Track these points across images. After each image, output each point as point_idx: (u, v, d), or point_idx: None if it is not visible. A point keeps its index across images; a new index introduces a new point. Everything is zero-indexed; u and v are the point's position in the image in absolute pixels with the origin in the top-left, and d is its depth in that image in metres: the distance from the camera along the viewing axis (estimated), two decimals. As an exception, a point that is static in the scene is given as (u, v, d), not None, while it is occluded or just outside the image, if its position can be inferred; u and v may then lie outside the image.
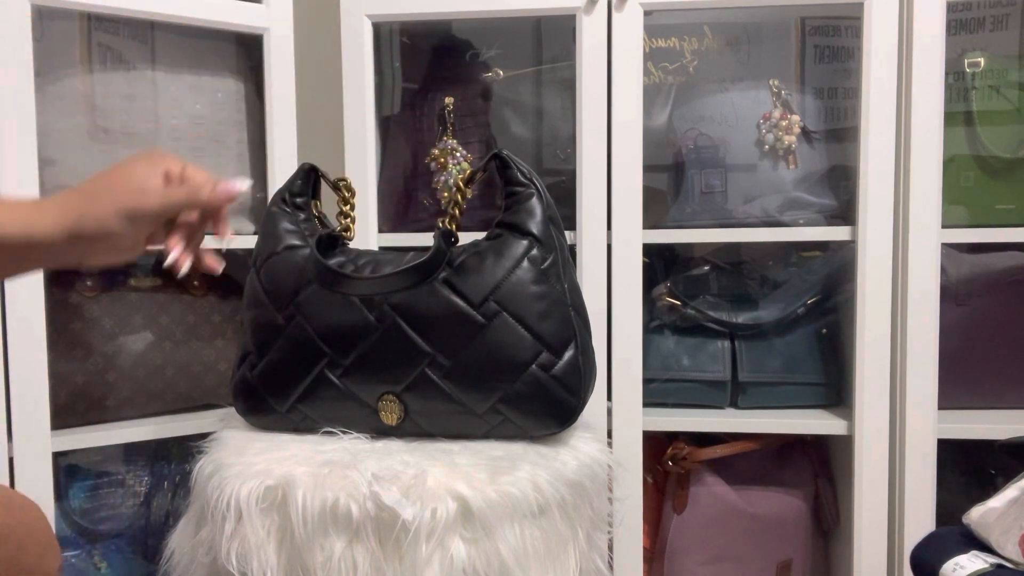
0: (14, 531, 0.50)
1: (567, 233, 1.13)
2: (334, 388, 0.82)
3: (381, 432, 0.83)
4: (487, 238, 0.82)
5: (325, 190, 0.92)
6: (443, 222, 0.83)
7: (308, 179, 0.90)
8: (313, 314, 0.81)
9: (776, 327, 1.19)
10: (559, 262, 0.81)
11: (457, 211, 0.83)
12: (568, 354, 0.79)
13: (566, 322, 0.79)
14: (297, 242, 0.86)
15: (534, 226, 0.80)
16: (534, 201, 0.81)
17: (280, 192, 0.89)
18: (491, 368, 0.77)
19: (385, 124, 1.26)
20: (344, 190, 0.90)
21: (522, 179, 0.82)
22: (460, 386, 0.78)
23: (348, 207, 0.90)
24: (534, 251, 0.79)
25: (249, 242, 1.13)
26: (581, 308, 0.83)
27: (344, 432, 0.83)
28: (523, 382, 0.77)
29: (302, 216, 0.88)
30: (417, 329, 0.78)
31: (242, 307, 0.88)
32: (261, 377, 0.84)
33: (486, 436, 0.81)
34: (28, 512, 0.53)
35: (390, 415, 0.81)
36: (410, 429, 0.82)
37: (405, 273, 0.78)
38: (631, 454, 1.12)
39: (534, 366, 0.77)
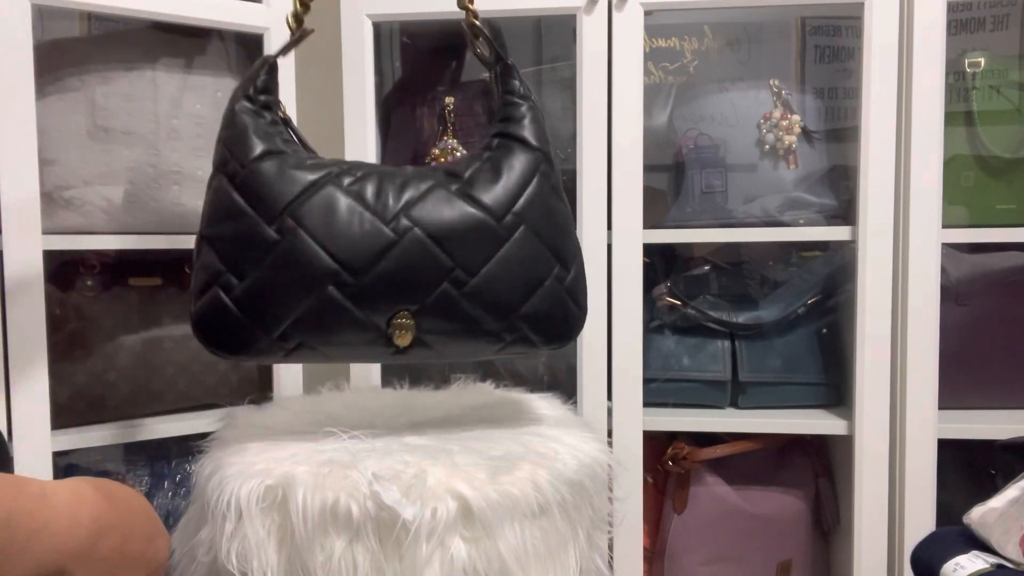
0: (119, 523, 0.51)
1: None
2: (339, 309, 0.73)
3: (383, 358, 0.77)
4: (493, 148, 0.80)
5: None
6: None
7: (272, 75, 0.80)
8: (317, 227, 0.73)
9: (776, 327, 1.19)
10: (560, 179, 0.81)
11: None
12: (575, 267, 0.79)
13: (572, 236, 0.80)
14: (278, 146, 0.77)
15: (542, 141, 0.79)
16: (538, 115, 0.80)
17: (244, 87, 0.79)
18: (512, 282, 0.75)
19: (385, 124, 1.26)
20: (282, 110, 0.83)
21: (525, 92, 0.80)
22: (480, 302, 0.75)
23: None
24: (543, 166, 0.79)
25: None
26: (574, 221, 0.84)
27: (344, 356, 0.77)
28: (540, 296, 0.76)
29: (268, 117, 0.79)
30: (438, 243, 0.74)
31: (202, 223, 0.76)
32: (244, 299, 0.73)
33: (497, 354, 0.79)
34: (131, 502, 0.54)
35: (404, 335, 0.75)
36: (419, 354, 0.77)
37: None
38: (631, 454, 1.12)
39: (550, 279, 0.77)
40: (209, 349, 0.75)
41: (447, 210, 0.74)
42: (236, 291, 0.73)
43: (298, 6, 0.81)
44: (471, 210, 0.75)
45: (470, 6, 0.83)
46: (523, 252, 0.76)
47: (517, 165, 0.77)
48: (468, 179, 0.76)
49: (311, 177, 0.74)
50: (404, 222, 0.74)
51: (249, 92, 0.78)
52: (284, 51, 0.82)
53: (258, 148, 0.75)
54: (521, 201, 0.76)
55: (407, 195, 0.75)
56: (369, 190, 0.75)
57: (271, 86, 0.80)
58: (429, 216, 0.74)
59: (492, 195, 0.75)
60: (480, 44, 0.84)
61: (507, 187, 0.76)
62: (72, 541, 0.46)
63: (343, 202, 0.74)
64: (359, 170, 0.77)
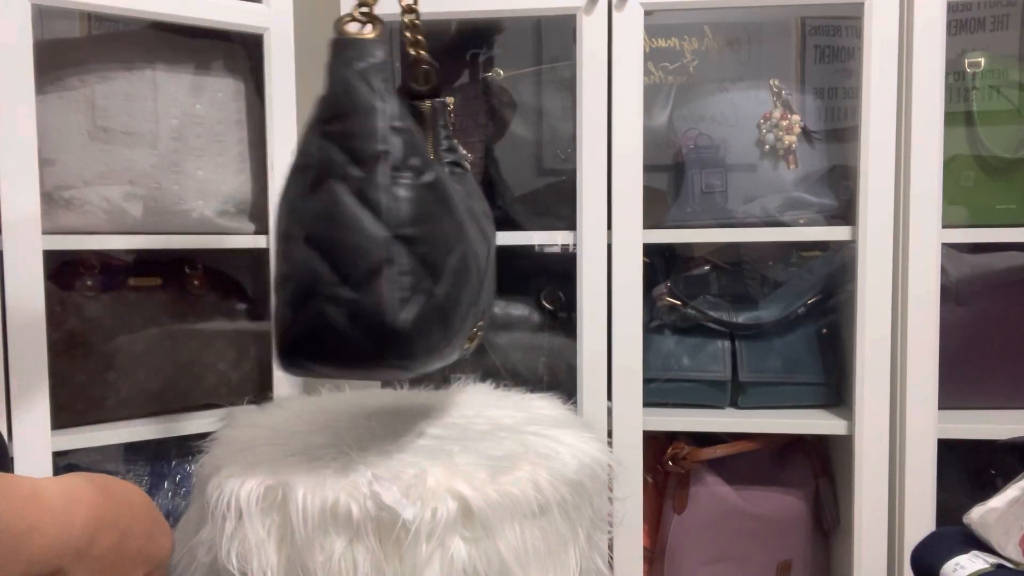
0: (117, 520, 0.50)
1: (567, 233, 1.13)
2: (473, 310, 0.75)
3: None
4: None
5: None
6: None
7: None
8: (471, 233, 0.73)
9: (776, 327, 1.19)
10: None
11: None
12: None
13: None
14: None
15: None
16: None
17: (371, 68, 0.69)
18: None
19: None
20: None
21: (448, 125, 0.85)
22: None
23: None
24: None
25: (249, 242, 1.13)
26: None
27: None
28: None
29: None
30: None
31: (400, 222, 0.64)
32: (444, 302, 0.65)
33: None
34: (131, 498, 0.53)
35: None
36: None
37: None
38: (631, 454, 1.12)
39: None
40: (398, 366, 0.64)
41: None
42: (437, 297, 0.66)
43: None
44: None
45: (410, 36, 0.80)
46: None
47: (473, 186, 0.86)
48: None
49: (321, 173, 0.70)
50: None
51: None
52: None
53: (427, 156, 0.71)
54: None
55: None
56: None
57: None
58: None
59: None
60: (419, 74, 0.80)
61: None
62: (66, 540, 0.46)
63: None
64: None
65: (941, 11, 1.04)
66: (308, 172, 0.65)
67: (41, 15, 1.01)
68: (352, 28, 0.69)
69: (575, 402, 1.12)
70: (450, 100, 1.18)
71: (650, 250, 1.20)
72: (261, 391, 1.16)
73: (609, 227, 1.11)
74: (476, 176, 1.18)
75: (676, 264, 1.29)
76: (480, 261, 0.73)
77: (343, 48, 0.68)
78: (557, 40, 1.28)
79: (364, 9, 0.71)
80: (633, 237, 1.11)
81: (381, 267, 0.62)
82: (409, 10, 0.79)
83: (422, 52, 0.79)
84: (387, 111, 0.65)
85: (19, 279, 0.96)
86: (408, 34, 0.80)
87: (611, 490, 0.85)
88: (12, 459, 0.95)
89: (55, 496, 0.46)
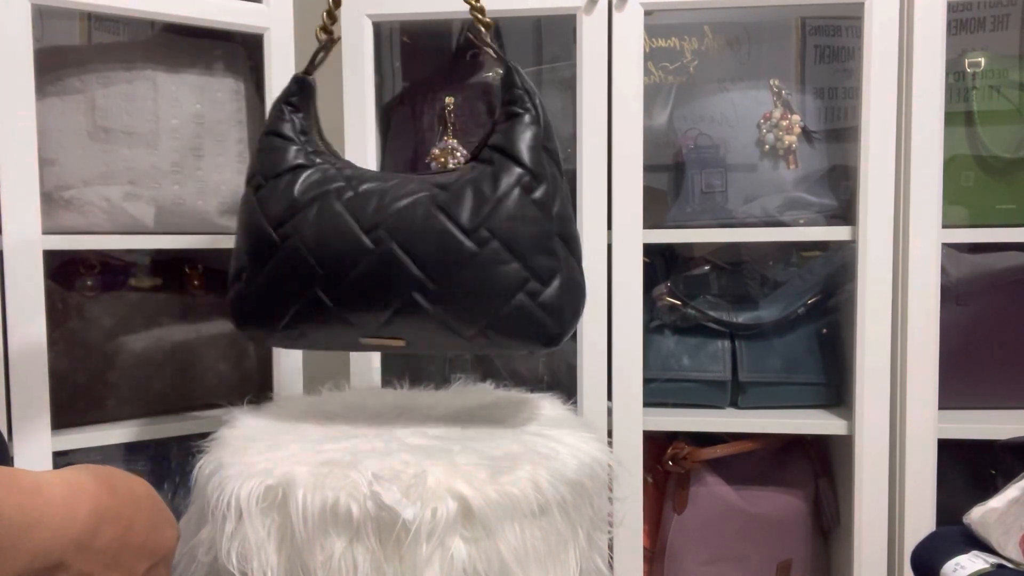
0: (120, 512, 0.50)
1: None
2: (327, 312, 0.81)
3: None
4: (479, 160, 0.82)
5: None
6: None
7: (307, 91, 0.89)
8: (311, 235, 0.80)
9: (776, 327, 1.19)
10: (552, 192, 0.80)
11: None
12: (555, 283, 0.80)
13: (552, 252, 0.80)
14: (300, 161, 0.85)
15: (525, 153, 0.80)
16: (528, 125, 0.81)
17: (281, 104, 0.88)
18: (479, 295, 0.78)
19: (385, 124, 1.26)
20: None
21: (524, 99, 0.81)
22: (449, 311, 0.79)
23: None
24: (526, 179, 0.79)
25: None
26: (571, 238, 0.82)
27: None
28: (509, 309, 0.78)
29: (299, 126, 0.87)
30: (410, 254, 0.78)
31: (237, 226, 0.86)
32: (257, 293, 0.84)
33: (479, 351, 0.88)
34: (135, 490, 0.53)
35: (389, 342, 0.82)
36: (406, 349, 0.84)
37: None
38: (631, 454, 1.12)
39: (521, 294, 0.78)
40: (241, 329, 0.87)
41: (422, 222, 0.79)
42: (250, 286, 0.84)
43: (326, 18, 0.84)
44: (444, 223, 0.78)
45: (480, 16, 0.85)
46: (491, 265, 0.78)
47: (499, 179, 0.79)
48: (452, 192, 0.80)
49: (315, 191, 0.82)
50: (381, 233, 0.79)
51: (288, 104, 0.87)
52: (315, 64, 0.88)
53: (284, 164, 0.84)
54: (496, 215, 0.78)
55: (392, 208, 0.80)
56: (357, 200, 0.81)
57: (305, 102, 0.88)
58: (397, 228, 0.79)
59: (465, 209, 0.79)
60: (487, 50, 0.86)
61: (484, 201, 0.79)
62: (68, 533, 0.46)
63: (335, 212, 0.81)
64: (358, 181, 0.83)
65: (941, 11, 1.04)
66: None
67: (41, 15, 1.01)
68: None
69: (575, 402, 1.12)
70: (450, 100, 1.18)
71: (650, 250, 1.20)
72: (261, 391, 1.16)
73: (609, 227, 1.11)
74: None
75: (676, 264, 1.29)
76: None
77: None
78: (557, 40, 1.28)
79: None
80: (633, 237, 1.11)
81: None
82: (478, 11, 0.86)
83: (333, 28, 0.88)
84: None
85: (19, 279, 0.96)
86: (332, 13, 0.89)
87: (611, 490, 0.85)
88: (12, 459, 0.95)
89: (57, 489, 0.46)
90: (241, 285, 0.85)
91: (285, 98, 0.87)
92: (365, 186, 0.82)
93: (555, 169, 0.82)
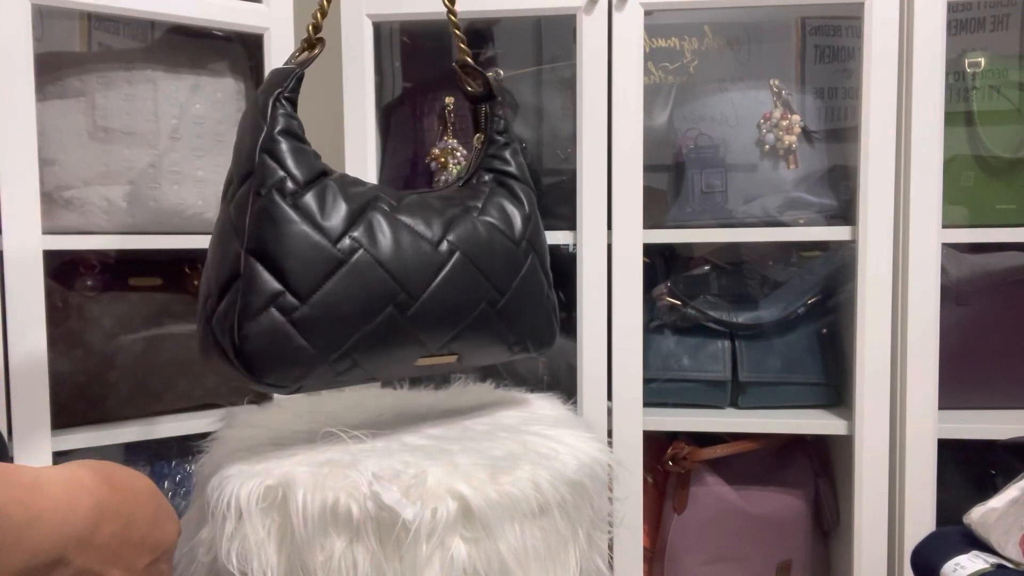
0: (120, 508, 0.50)
1: (567, 233, 1.13)
2: (398, 330, 0.73)
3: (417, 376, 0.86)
4: (489, 181, 0.87)
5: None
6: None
7: (299, 88, 0.76)
8: (379, 250, 0.72)
9: (776, 327, 1.19)
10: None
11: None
12: (552, 289, 0.89)
13: (549, 261, 0.90)
14: (323, 166, 0.74)
15: (528, 177, 0.89)
16: (520, 152, 0.89)
17: (276, 95, 0.72)
18: (526, 301, 0.84)
19: (385, 124, 1.26)
20: None
21: (510, 130, 0.89)
22: (507, 320, 0.82)
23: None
24: (534, 197, 0.88)
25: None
26: None
27: (384, 382, 0.83)
28: (539, 311, 0.86)
29: (301, 132, 0.76)
30: (477, 266, 0.79)
31: (246, 238, 0.69)
32: (308, 321, 0.68)
33: (505, 362, 0.91)
34: (135, 485, 0.53)
35: (447, 358, 0.81)
36: (453, 367, 0.85)
37: None
38: (631, 454, 1.12)
39: (543, 296, 0.86)
40: (256, 380, 0.68)
41: (479, 235, 0.80)
42: (298, 312, 0.68)
43: (319, 17, 0.80)
44: (498, 236, 0.82)
45: (463, 47, 0.88)
46: (533, 274, 0.85)
47: (523, 197, 0.86)
48: (483, 208, 0.83)
49: (358, 202, 0.73)
50: (447, 245, 0.77)
51: (284, 104, 0.73)
52: (303, 64, 0.78)
53: (311, 169, 0.72)
54: (530, 229, 0.85)
55: (442, 220, 0.78)
56: (408, 214, 0.76)
57: (296, 99, 0.76)
58: (467, 241, 0.79)
59: (511, 223, 0.84)
60: (470, 79, 0.89)
61: (522, 217, 0.85)
62: (69, 529, 0.46)
63: (392, 225, 0.74)
64: (389, 196, 0.78)
65: (941, 11, 1.04)
66: None
67: (41, 15, 1.01)
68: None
69: (575, 402, 1.12)
70: (450, 100, 1.18)
71: (650, 250, 1.20)
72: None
73: (609, 227, 1.11)
74: (476, 176, 1.18)
75: (676, 264, 1.29)
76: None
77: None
78: (557, 40, 1.28)
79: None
80: (633, 237, 1.11)
81: None
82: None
83: (469, 59, 0.88)
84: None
85: (19, 279, 0.96)
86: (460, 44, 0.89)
87: (611, 490, 0.85)
88: (12, 459, 0.95)
89: (57, 485, 0.46)
90: (272, 317, 0.67)
91: (288, 94, 0.73)
92: (395, 198, 0.77)
93: None
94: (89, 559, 0.47)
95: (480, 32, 1.27)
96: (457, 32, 0.88)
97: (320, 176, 0.72)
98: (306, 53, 0.78)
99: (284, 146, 0.71)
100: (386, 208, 0.75)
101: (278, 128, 0.71)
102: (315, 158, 0.73)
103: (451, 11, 0.87)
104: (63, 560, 0.46)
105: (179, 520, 0.58)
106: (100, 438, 1.05)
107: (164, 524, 0.55)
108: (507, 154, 0.88)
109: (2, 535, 0.41)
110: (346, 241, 0.70)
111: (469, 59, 0.88)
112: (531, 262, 0.84)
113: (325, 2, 0.80)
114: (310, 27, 0.79)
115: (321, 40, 0.79)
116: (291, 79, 0.74)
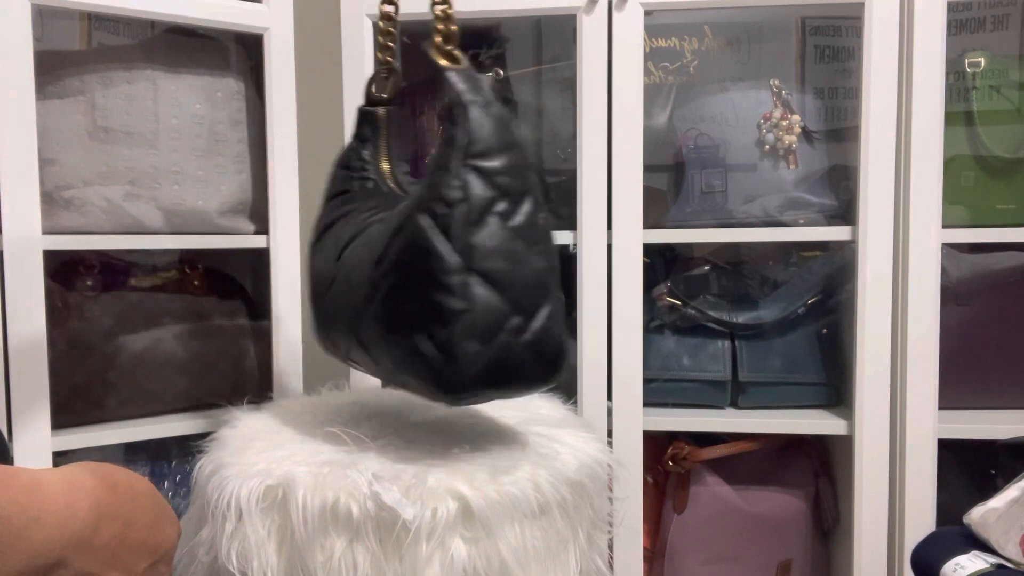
0: (120, 510, 0.50)
1: (567, 233, 1.13)
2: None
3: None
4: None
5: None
6: None
7: (371, 122, 0.81)
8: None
9: (776, 327, 1.19)
10: None
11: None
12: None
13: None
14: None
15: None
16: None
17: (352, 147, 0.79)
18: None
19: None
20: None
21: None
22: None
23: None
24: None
25: (249, 242, 1.13)
26: None
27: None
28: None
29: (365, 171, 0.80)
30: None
31: (465, 259, 0.64)
32: (536, 339, 0.66)
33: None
34: (135, 487, 0.53)
35: None
36: None
37: None
38: (631, 454, 1.12)
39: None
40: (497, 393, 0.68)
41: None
42: (528, 333, 0.66)
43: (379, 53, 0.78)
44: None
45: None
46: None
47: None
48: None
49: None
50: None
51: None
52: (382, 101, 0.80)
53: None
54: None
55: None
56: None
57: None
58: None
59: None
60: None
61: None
62: (68, 531, 0.46)
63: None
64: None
65: (941, 11, 1.04)
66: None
67: (41, 15, 1.01)
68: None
69: (575, 402, 1.12)
70: (450, 100, 1.18)
71: (650, 250, 1.20)
72: (261, 391, 1.16)
73: (609, 227, 1.11)
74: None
75: (676, 264, 1.29)
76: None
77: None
78: (557, 40, 1.28)
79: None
80: (633, 237, 1.11)
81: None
82: (385, 17, 0.81)
83: (389, 57, 0.81)
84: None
85: (19, 279, 0.96)
86: (380, 38, 0.81)
87: (611, 490, 0.85)
88: (12, 459, 0.95)
89: (56, 487, 0.46)
90: (506, 342, 0.65)
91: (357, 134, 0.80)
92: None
93: None
94: (88, 561, 0.47)
95: (480, 32, 1.27)
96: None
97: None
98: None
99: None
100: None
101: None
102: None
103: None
104: (62, 562, 0.45)
105: (179, 522, 0.58)
106: (100, 438, 1.05)
107: (164, 526, 0.55)
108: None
109: (1, 537, 0.41)
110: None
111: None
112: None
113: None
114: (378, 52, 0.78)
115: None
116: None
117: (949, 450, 1.11)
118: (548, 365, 0.68)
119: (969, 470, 1.16)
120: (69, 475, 0.48)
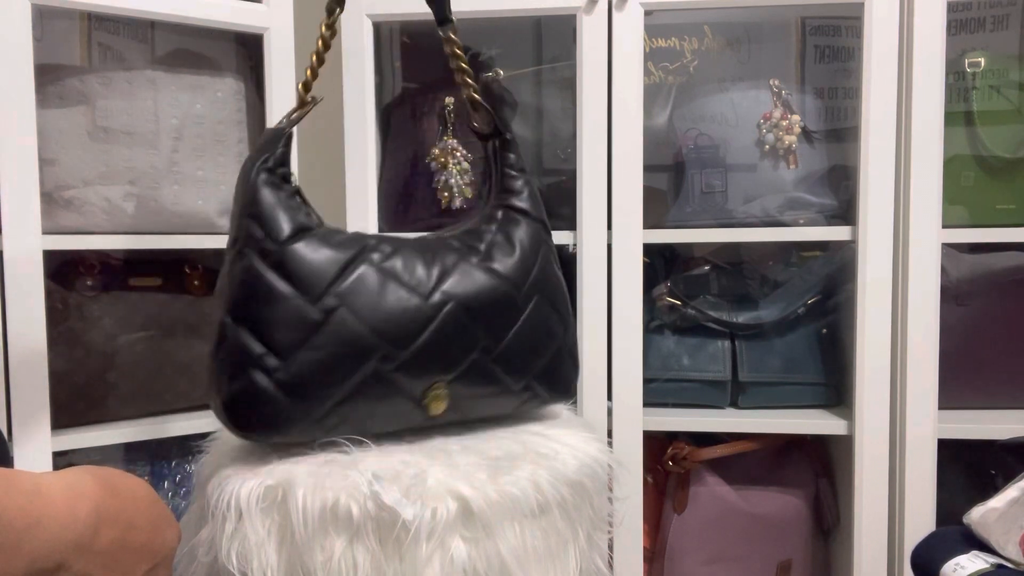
0: (121, 514, 0.50)
1: (567, 233, 1.13)
2: (386, 384, 0.75)
3: (418, 423, 0.80)
4: (499, 219, 0.83)
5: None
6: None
7: (288, 147, 0.78)
8: (360, 306, 0.73)
9: (776, 327, 1.19)
10: (554, 248, 0.86)
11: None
12: (572, 328, 0.85)
13: (568, 298, 0.86)
14: (305, 222, 0.75)
15: (539, 212, 0.84)
16: (533, 187, 0.85)
17: (261, 159, 0.75)
18: (531, 346, 0.81)
19: (385, 124, 1.26)
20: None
21: (521, 165, 0.85)
22: (506, 368, 0.80)
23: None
24: (544, 236, 0.84)
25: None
26: None
27: (375, 438, 0.78)
28: (550, 357, 0.82)
29: (287, 190, 0.76)
30: (470, 314, 0.77)
31: (228, 304, 0.72)
32: (290, 382, 0.71)
33: (515, 413, 0.84)
34: (135, 491, 0.53)
35: (438, 403, 0.78)
36: (450, 416, 0.80)
37: None
38: (631, 454, 1.12)
39: (558, 340, 0.83)
40: (241, 434, 0.72)
41: (474, 283, 0.78)
42: (280, 373, 0.71)
43: (308, 74, 0.80)
44: (495, 282, 0.79)
45: (469, 81, 0.84)
46: (538, 318, 0.81)
47: (526, 238, 0.82)
48: (486, 252, 0.80)
49: (346, 255, 0.74)
50: (439, 296, 0.76)
51: (268, 164, 0.75)
52: (293, 122, 0.79)
53: (289, 226, 0.73)
54: (534, 271, 0.82)
55: (436, 270, 0.77)
56: (399, 265, 0.76)
57: (287, 157, 0.77)
58: (461, 290, 0.77)
59: (510, 267, 0.80)
60: (479, 118, 0.85)
61: (522, 259, 0.81)
62: (69, 535, 0.46)
63: (379, 279, 0.74)
64: (385, 244, 0.77)
65: (941, 11, 1.04)
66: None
67: (41, 15, 1.01)
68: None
69: (575, 402, 1.12)
70: (450, 100, 1.18)
71: (650, 250, 1.19)
72: (261, 391, 1.16)
73: (609, 227, 1.11)
74: (476, 176, 1.18)
75: (676, 264, 1.29)
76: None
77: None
78: (557, 40, 1.28)
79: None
80: (633, 237, 1.11)
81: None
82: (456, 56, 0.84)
83: (477, 95, 0.83)
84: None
85: (19, 279, 0.96)
86: (464, 78, 0.84)
87: (611, 490, 0.85)
88: (12, 459, 0.95)
89: (57, 491, 0.46)
90: (253, 378, 0.70)
91: (274, 161, 0.75)
92: (389, 247, 0.77)
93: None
94: (89, 565, 0.47)
95: (480, 32, 1.27)
96: (463, 66, 0.84)
97: (300, 231, 0.73)
98: (297, 112, 0.79)
99: (264, 208, 0.73)
100: (377, 258, 0.75)
101: (260, 193, 0.73)
102: (303, 215, 0.74)
103: (460, 57, 0.83)
104: (63, 566, 0.45)
105: (179, 526, 0.58)
106: (100, 438, 1.05)
107: (164, 530, 0.55)
108: (515, 187, 0.84)
109: (2, 540, 0.41)
110: (327, 300, 0.71)
111: (477, 96, 0.84)
112: (535, 305, 0.81)
113: (315, 63, 0.80)
114: (301, 86, 0.79)
115: (313, 99, 0.79)
116: (280, 143, 0.75)
117: (949, 450, 1.11)
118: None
119: (969, 470, 1.16)
120: (70, 479, 0.48)
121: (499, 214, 0.83)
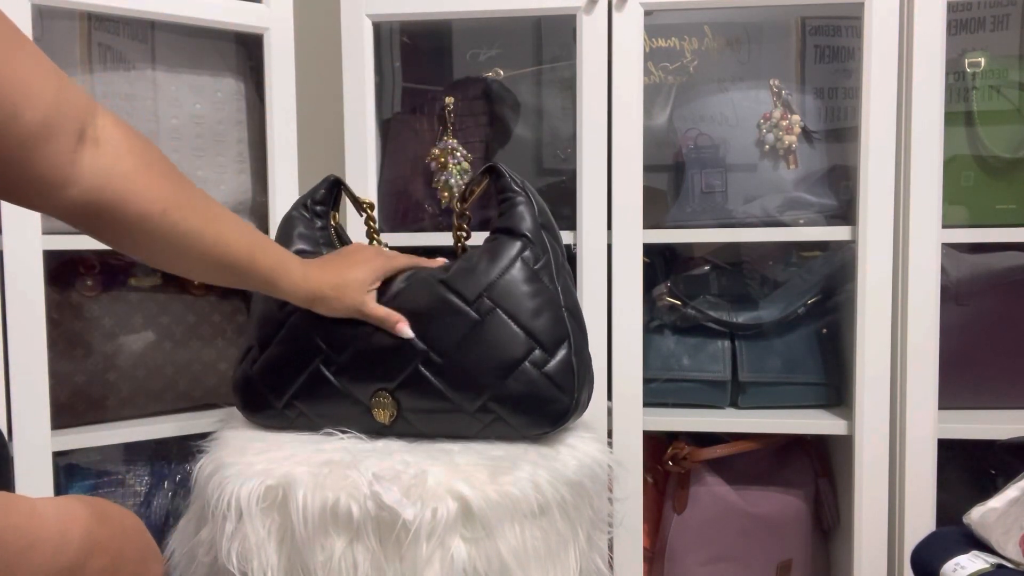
0: (110, 543, 0.50)
1: (567, 233, 1.13)
2: (329, 385, 0.83)
3: (374, 431, 0.83)
4: (486, 240, 0.84)
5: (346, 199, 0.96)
6: (459, 239, 0.89)
7: (332, 191, 0.93)
8: (312, 312, 0.81)
9: (776, 327, 1.19)
10: (552, 264, 0.82)
11: (465, 225, 0.89)
12: (561, 353, 0.79)
13: (559, 321, 0.79)
14: (307, 247, 0.89)
15: (526, 228, 0.82)
16: (524, 207, 0.83)
17: (303, 198, 0.92)
18: (483, 365, 0.78)
19: (385, 124, 1.26)
20: (368, 209, 0.94)
21: (514, 187, 0.84)
22: (452, 384, 0.78)
23: (372, 225, 0.95)
24: (527, 252, 0.81)
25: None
26: (576, 311, 0.83)
27: (341, 431, 0.82)
28: (515, 379, 0.77)
29: (319, 224, 0.92)
30: (412, 326, 0.80)
31: (253, 303, 0.90)
32: (261, 372, 0.86)
33: (479, 435, 0.81)
34: (124, 522, 0.53)
35: (382, 412, 0.81)
36: (403, 428, 0.82)
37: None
38: (631, 454, 1.12)
39: (526, 363, 0.77)
40: (242, 412, 0.89)
41: (423, 295, 0.81)
42: (258, 364, 0.86)
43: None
44: (446, 294, 0.80)
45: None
46: (494, 335, 0.78)
47: (500, 252, 0.81)
48: (454, 269, 0.82)
49: None
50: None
51: (306, 202, 0.92)
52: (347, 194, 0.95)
53: (291, 247, 0.88)
54: (496, 285, 0.79)
55: (399, 287, 0.83)
56: None
57: (328, 199, 0.93)
58: (406, 299, 0.81)
59: (466, 281, 0.80)
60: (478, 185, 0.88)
61: (485, 273, 0.80)
62: (61, 559, 0.45)
63: None
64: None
65: (941, 11, 1.04)
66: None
67: (41, 15, 1.01)
68: None
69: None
70: (450, 100, 1.18)
71: (650, 250, 1.19)
72: (261, 391, 1.16)
73: (609, 227, 1.11)
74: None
75: (676, 264, 1.29)
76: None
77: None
78: (557, 40, 1.27)
79: None
80: (633, 237, 1.11)
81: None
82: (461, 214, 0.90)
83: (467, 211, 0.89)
84: None
85: (19, 279, 0.96)
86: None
87: (611, 490, 0.85)
88: (12, 459, 0.95)
89: (51, 516, 0.46)
90: (246, 366, 0.87)
91: (315, 190, 0.93)
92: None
93: (556, 244, 0.84)
94: None
95: (480, 32, 1.27)
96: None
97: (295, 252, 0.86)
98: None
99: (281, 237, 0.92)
100: None
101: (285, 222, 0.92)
102: (301, 237, 0.90)
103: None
104: None
105: (165, 560, 0.58)
106: (100, 438, 1.05)
107: (151, 563, 0.55)
108: (502, 210, 0.84)
109: (1, 562, 0.41)
110: (288, 305, 0.83)
111: (465, 208, 0.89)
112: (492, 321, 0.78)
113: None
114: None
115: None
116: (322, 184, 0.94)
117: (949, 450, 1.11)
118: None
119: (969, 470, 1.16)
120: (62, 505, 0.48)
121: (490, 236, 0.84)
